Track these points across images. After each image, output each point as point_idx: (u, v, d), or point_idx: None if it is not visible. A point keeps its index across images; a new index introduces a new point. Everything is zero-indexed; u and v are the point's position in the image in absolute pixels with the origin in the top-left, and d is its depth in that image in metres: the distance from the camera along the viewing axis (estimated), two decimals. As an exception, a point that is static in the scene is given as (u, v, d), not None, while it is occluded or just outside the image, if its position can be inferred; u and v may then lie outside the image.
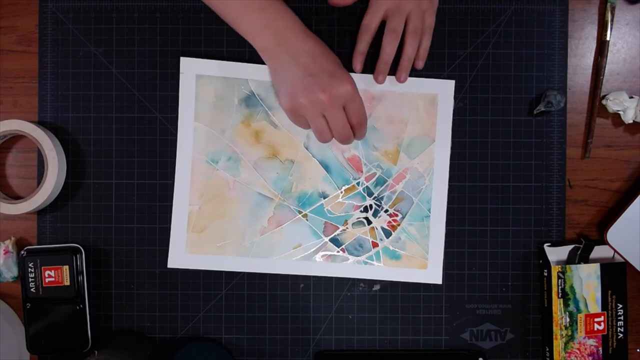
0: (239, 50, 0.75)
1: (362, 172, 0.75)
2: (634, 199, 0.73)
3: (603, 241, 0.74)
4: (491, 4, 0.75)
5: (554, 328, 0.73)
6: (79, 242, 0.75)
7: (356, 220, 0.75)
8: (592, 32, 0.76)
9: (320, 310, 0.76)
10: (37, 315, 0.73)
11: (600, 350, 0.74)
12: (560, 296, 0.73)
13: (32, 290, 0.72)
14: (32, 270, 0.72)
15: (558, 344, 0.73)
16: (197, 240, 0.75)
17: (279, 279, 0.76)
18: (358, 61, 0.74)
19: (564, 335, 0.73)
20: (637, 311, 0.76)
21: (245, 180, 0.75)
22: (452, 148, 0.75)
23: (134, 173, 0.76)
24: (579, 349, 0.73)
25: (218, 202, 0.75)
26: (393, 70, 0.74)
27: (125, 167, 0.76)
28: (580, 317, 0.73)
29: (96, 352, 0.71)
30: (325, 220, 0.75)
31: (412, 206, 0.75)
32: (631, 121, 0.75)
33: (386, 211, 0.75)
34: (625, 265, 0.74)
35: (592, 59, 0.76)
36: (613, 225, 0.73)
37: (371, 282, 0.76)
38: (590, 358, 0.73)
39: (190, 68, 0.75)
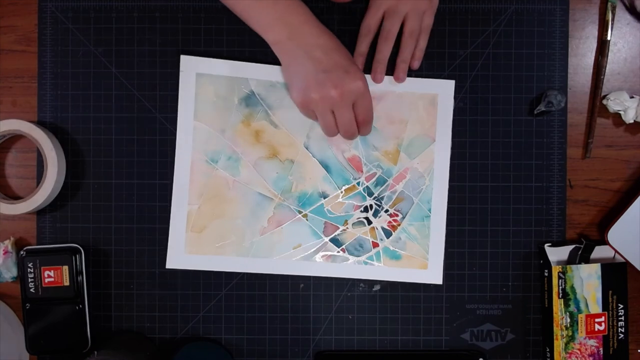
0: (239, 50, 0.75)
1: (362, 172, 0.75)
2: (635, 199, 0.73)
3: (604, 241, 0.74)
4: (491, 3, 0.75)
5: (555, 328, 0.73)
6: (78, 242, 0.75)
7: (356, 220, 0.75)
8: (592, 31, 0.76)
9: (320, 310, 0.76)
10: (36, 316, 0.72)
11: (601, 351, 0.73)
12: (560, 296, 0.73)
13: (31, 290, 0.72)
14: (32, 271, 0.72)
15: (559, 344, 0.73)
16: (197, 240, 0.75)
17: (279, 279, 0.76)
18: (358, 62, 0.74)
19: (564, 335, 0.73)
20: (637, 311, 0.76)
21: (245, 180, 0.75)
22: (452, 148, 0.75)
23: (134, 173, 0.76)
24: (579, 350, 0.73)
25: (217, 202, 0.75)
26: (393, 71, 0.74)
27: (125, 167, 0.75)
28: (581, 318, 0.73)
29: (96, 352, 0.71)
30: (325, 220, 0.75)
31: (413, 206, 0.75)
32: (632, 121, 0.74)
33: (386, 211, 0.75)
34: (626, 265, 0.74)
35: (592, 58, 0.76)
36: (614, 226, 0.73)
37: (371, 282, 0.76)
38: (591, 358, 0.73)
39: (190, 66, 0.74)
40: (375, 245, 0.75)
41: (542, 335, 0.76)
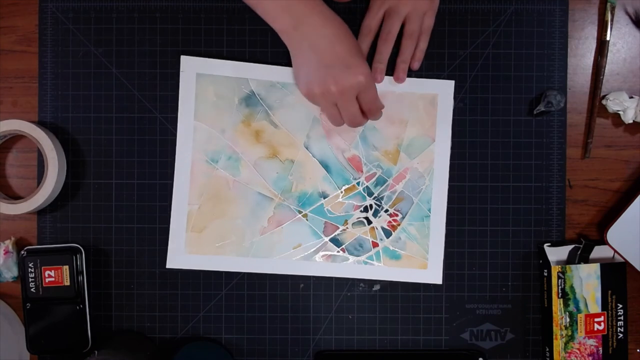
0: (239, 50, 0.75)
1: (362, 172, 0.75)
2: (634, 199, 0.73)
3: (603, 241, 0.74)
4: (491, 4, 0.76)
5: (554, 328, 0.73)
6: (79, 242, 0.75)
7: (356, 220, 0.75)
8: (592, 32, 0.76)
9: (320, 310, 0.76)
10: (37, 315, 0.72)
11: (600, 350, 0.74)
12: (560, 296, 0.73)
13: (32, 290, 0.72)
14: (32, 270, 0.72)
15: (558, 344, 0.73)
16: (197, 240, 0.75)
17: (279, 279, 0.76)
18: None
19: (564, 335, 0.73)
20: (637, 311, 0.76)
21: (245, 180, 0.75)
22: (452, 148, 0.75)
23: (134, 173, 0.76)
24: (579, 349, 0.73)
25: (218, 202, 0.75)
26: (393, 71, 0.74)
27: (125, 167, 0.76)
28: (580, 317, 0.73)
29: (96, 352, 0.71)
30: (325, 220, 0.75)
31: (412, 206, 0.75)
32: (631, 121, 0.75)
33: (386, 211, 0.75)
34: (625, 265, 0.74)
35: (592, 59, 0.76)
36: (613, 225, 0.73)
37: (371, 282, 0.76)
38: (590, 358, 0.73)
39: (191, 66, 0.75)
40: (375, 245, 0.75)
41: (542, 335, 0.76)
